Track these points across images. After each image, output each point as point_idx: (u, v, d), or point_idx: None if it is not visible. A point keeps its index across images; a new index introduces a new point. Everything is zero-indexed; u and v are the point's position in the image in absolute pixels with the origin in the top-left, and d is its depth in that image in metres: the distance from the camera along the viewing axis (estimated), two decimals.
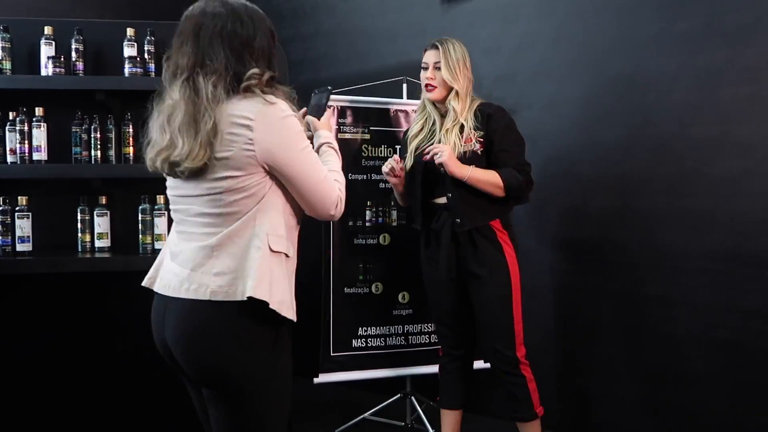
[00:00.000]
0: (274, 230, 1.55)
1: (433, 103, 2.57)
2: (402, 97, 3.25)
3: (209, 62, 1.54)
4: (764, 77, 2.58)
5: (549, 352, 3.19)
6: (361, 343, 3.15)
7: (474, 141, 2.45)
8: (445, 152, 2.38)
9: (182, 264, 1.58)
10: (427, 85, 2.53)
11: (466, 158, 2.43)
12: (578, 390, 3.11)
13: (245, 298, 1.49)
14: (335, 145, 1.80)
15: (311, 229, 3.32)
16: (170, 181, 1.64)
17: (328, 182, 1.61)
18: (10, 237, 2.63)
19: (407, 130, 2.73)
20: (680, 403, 2.80)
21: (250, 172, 1.53)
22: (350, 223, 3.15)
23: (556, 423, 3.17)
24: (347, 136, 3.15)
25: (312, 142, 1.74)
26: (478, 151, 2.45)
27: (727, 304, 2.67)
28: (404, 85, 3.26)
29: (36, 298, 2.68)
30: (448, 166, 2.39)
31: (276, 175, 1.56)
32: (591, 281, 3.05)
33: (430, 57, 2.53)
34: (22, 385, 2.69)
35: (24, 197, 2.66)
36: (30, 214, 2.65)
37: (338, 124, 3.14)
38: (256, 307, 1.50)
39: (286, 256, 1.59)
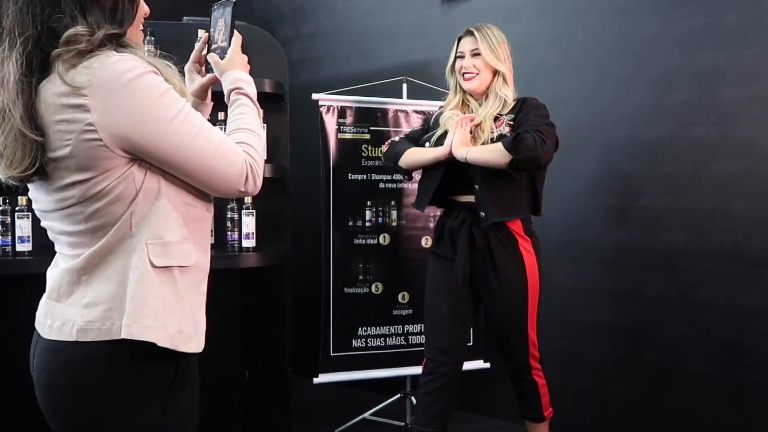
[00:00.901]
0: (157, 237, 1.15)
1: (470, 94, 2.43)
2: (402, 97, 3.25)
3: (2, 21, 1.09)
4: (764, 77, 2.58)
5: (549, 352, 3.18)
6: (361, 343, 3.15)
7: (504, 124, 2.31)
8: (452, 142, 2.27)
9: (48, 294, 1.24)
10: (465, 74, 2.37)
11: (494, 142, 2.28)
12: (578, 390, 3.11)
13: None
14: (249, 89, 1.34)
15: (311, 229, 3.32)
16: (29, 192, 1.24)
17: (225, 152, 1.18)
18: (10, 237, 2.63)
19: (436, 116, 2.54)
20: (680, 403, 2.80)
21: (105, 168, 1.10)
22: (350, 223, 3.15)
23: (556, 423, 3.17)
24: (347, 136, 3.15)
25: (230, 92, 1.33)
26: (508, 134, 2.25)
27: (727, 304, 2.67)
28: (404, 85, 3.26)
29: (36, 298, 2.67)
30: (454, 152, 2.28)
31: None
32: (591, 281, 3.05)
33: (465, 45, 2.39)
34: (21, 385, 2.69)
35: (24, 197, 2.65)
36: (30, 214, 2.65)
37: (338, 124, 3.14)
38: (143, 345, 1.13)
39: (181, 267, 1.20)
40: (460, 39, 2.44)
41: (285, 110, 3.00)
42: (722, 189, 2.68)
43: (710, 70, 2.70)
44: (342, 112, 3.14)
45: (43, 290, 2.72)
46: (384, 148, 2.64)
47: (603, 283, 3.02)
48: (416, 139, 2.56)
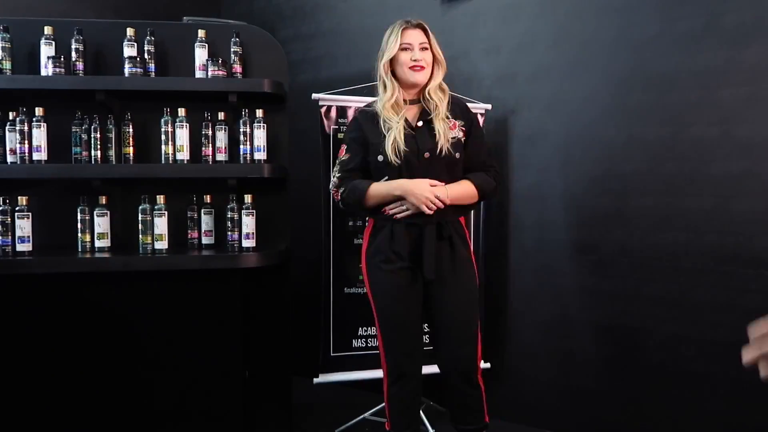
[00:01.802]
0: None
1: (402, 89, 2.39)
2: None
3: None
4: (764, 77, 2.58)
5: (549, 352, 3.19)
6: (361, 343, 3.15)
7: (458, 129, 2.39)
8: (441, 193, 2.28)
9: None
10: (414, 66, 2.34)
11: (452, 145, 2.34)
12: (578, 390, 3.11)
13: None
14: None
15: (311, 229, 3.32)
16: None
17: None
18: (10, 237, 2.63)
19: (367, 116, 2.43)
20: (680, 403, 2.80)
21: None
22: (350, 223, 3.15)
23: (556, 423, 3.18)
24: None
25: None
26: (461, 140, 2.39)
27: (727, 304, 2.67)
28: None
29: (36, 298, 2.68)
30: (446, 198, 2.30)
31: None
32: (591, 281, 3.05)
33: (414, 37, 2.36)
34: (22, 385, 2.69)
35: (24, 197, 2.66)
36: (30, 214, 2.65)
37: (338, 123, 3.14)
38: None
39: None
40: (403, 30, 2.37)
41: (285, 110, 3.01)
42: (722, 189, 2.68)
43: (710, 70, 2.70)
44: (342, 112, 3.15)
45: (43, 290, 2.72)
46: (335, 180, 2.45)
47: (603, 283, 3.02)
48: (359, 165, 2.41)
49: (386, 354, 2.40)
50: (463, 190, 2.37)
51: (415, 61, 2.34)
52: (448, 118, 2.38)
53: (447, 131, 2.35)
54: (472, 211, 3.12)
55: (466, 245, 2.43)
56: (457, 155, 2.37)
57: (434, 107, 2.38)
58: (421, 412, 3.11)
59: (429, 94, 2.39)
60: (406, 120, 2.38)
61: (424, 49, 2.37)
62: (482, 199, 2.44)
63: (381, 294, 2.40)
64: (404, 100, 2.42)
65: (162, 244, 2.72)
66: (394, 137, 2.32)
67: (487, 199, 2.50)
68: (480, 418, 2.41)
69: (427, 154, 2.34)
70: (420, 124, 2.38)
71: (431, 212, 2.28)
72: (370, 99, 3.16)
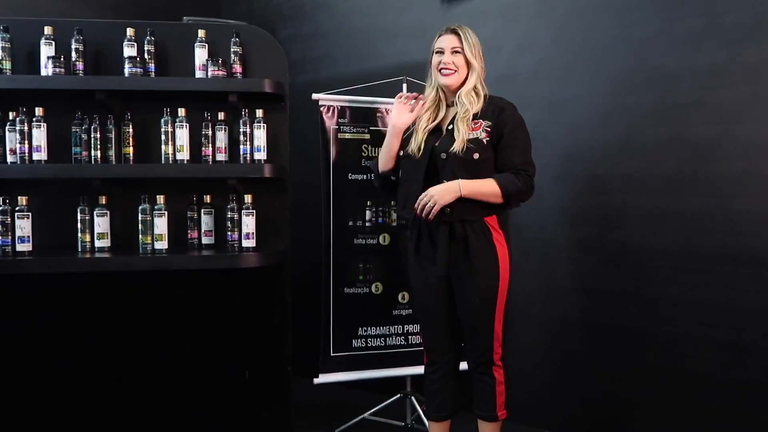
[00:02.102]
0: None
1: (443, 91, 2.48)
2: None
3: None
4: (764, 77, 2.58)
5: (549, 352, 3.19)
6: (361, 343, 3.15)
7: (481, 129, 2.37)
8: (434, 197, 2.32)
9: None
10: (442, 69, 2.43)
11: (470, 146, 2.34)
12: (577, 390, 3.11)
13: None
14: None
15: (311, 229, 3.32)
16: None
17: None
18: (10, 237, 2.63)
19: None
20: (680, 403, 2.80)
21: None
22: (350, 223, 3.16)
23: (556, 423, 3.18)
24: (347, 136, 3.15)
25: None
26: (484, 140, 2.36)
27: (727, 304, 2.67)
28: (404, 85, 3.26)
29: (36, 298, 2.68)
30: (442, 201, 2.32)
31: None
32: (591, 281, 3.05)
33: (447, 42, 2.44)
34: (21, 385, 2.69)
35: (24, 197, 2.66)
36: (30, 214, 2.65)
37: (338, 123, 3.14)
38: None
39: None
40: (439, 36, 2.48)
41: (285, 110, 3.00)
42: (722, 189, 2.68)
43: (710, 70, 2.70)
44: (342, 112, 3.15)
45: (43, 290, 2.71)
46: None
47: (603, 283, 3.02)
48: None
49: (423, 340, 2.62)
50: (483, 185, 2.35)
51: (443, 64, 2.43)
52: (475, 118, 2.40)
53: (466, 132, 2.36)
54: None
55: (491, 245, 2.40)
56: (475, 156, 2.35)
57: (463, 110, 2.40)
58: (420, 411, 3.11)
59: (461, 97, 2.43)
60: (436, 123, 2.48)
61: (456, 52, 2.42)
62: (507, 199, 2.37)
63: (412, 285, 2.60)
64: (444, 102, 2.50)
65: (162, 244, 2.72)
66: (414, 135, 2.48)
67: (514, 200, 2.41)
68: (490, 408, 2.46)
69: (443, 155, 2.37)
70: (450, 127, 2.42)
71: (427, 212, 2.34)
72: (370, 99, 3.18)
